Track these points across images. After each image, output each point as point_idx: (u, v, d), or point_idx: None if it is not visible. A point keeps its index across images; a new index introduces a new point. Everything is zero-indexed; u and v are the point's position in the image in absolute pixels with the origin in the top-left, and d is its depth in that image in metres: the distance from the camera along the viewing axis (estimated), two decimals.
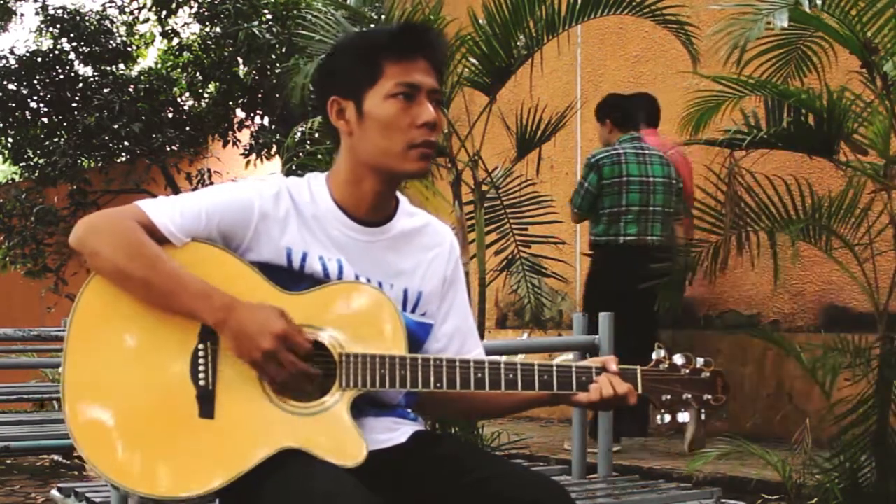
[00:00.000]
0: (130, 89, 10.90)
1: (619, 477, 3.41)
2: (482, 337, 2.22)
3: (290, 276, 1.92)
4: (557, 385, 1.93)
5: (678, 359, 1.99)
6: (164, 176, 11.31)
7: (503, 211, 5.59)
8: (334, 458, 1.80)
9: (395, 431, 1.98)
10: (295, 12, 9.78)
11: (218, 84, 11.07)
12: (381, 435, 1.95)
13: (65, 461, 6.28)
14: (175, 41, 11.35)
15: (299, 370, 1.82)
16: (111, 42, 11.22)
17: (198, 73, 11.08)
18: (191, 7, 10.88)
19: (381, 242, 2.00)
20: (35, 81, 11.02)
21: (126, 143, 10.93)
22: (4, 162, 12.36)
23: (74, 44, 11.08)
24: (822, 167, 4.62)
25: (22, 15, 17.04)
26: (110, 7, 11.43)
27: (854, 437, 3.45)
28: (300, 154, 5.27)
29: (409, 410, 2.06)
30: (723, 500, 3.32)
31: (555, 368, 1.93)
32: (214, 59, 10.79)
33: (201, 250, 1.90)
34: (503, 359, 1.97)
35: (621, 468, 4.48)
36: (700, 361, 2.00)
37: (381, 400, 1.97)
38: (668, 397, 1.98)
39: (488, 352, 2.13)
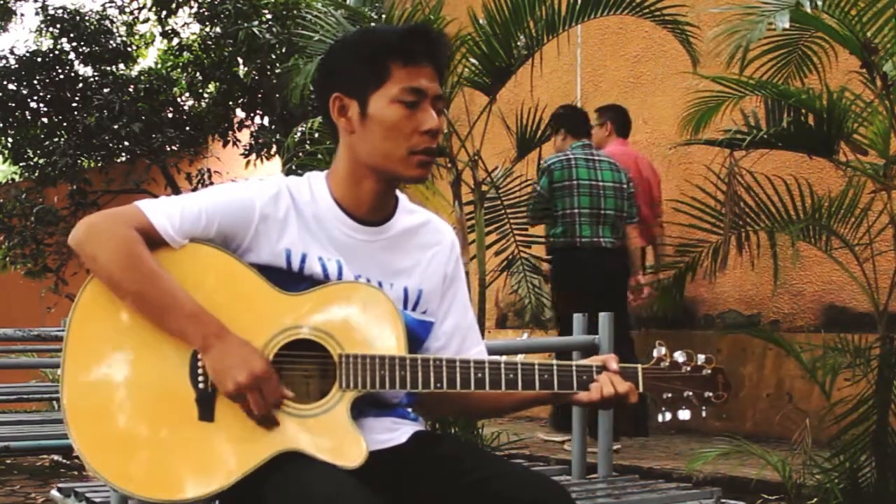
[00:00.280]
0: (130, 89, 10.89)
1: (619, 477, 3.41)
2: (482, 337, 2.22)
3: (289, 278, 1.92)
4: (558, 384, 1.93)
5: (679, 356, 1.99)
6: (164, 176, 11.30)
7: (503, 211, 5.60)
8: (334, 460, 1.80)
9: (396, 432, 1.98)
10: (295, 12, 9.77)
11: (218, 84, 11.06)
12: (382, 435, 1.94)
13: (65, 461, 6.28)
14: (175, 41, 11.34)
15: (262, 416, 1.82)
16: (111, 42, 11.21)
17: (198, 73, 11.07)
18: (191, 7, 10.87)
19: (380, 242, 2.00)
20: (35, 81, 11.01)
21: (126, 143, 10.92)
22: (4, 162, 12.36)
23: (74, 44, 11.07)
24: (822, 167, 4.62)
25: (22, 15, 17.06)
26: (110, 7, 11.42)
27: (854, 437, 3.45)
28: (300, 154, 5.27)
29: (410, 410, 2.05)
30: (723, 500, 3.32)
31: (555, 367, 1.93)
32: (214, 59, 10.78)
33: (200, 252, 1.90)
34: (503, 359, 1.97)
35: (621, 468, 4.48)
36: (701, 358, 2.00)
37: (382, 400, 1.97)
38: (670, 395, 1.97)
39: (489, 352, 2.12)
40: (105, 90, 10.67)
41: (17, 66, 10.96)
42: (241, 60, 10.70)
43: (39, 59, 10.97)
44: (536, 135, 5.28)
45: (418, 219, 2.07)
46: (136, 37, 12.03)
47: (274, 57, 10.17)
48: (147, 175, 11.30)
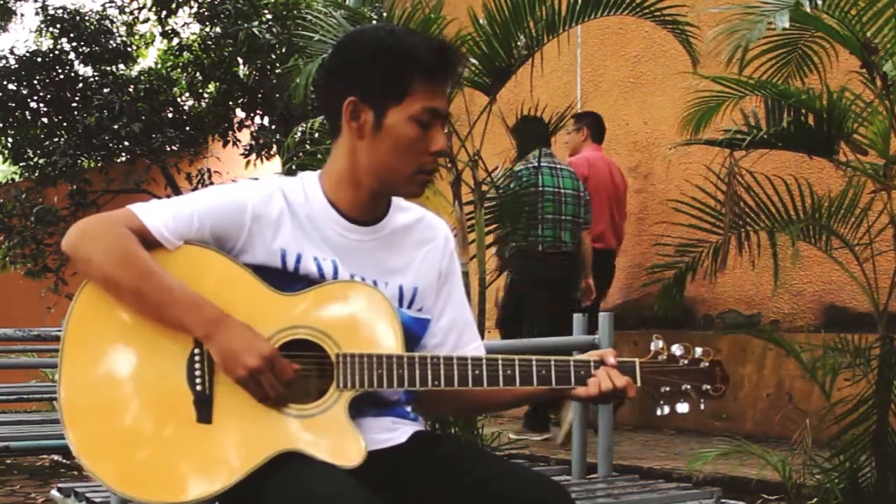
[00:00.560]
0: (130, 89, 10.88)
1: (619, 477, 3.42)
2: (483, 337, 2.21)
3: (284, 278, 1.92)
4: (556, 380, 1.93)
5: (676, 349, 1.99)
6: (164, 176, 11.30)
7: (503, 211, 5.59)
8: (333, 460, 1.80)
9: (395, 431, 1.97)
10: (295, 12, 9.76)
11: (218, 84, 11.05)
12: (381, 435, 1.94)
13: (65, 461, 6.27)
14: (175, 41, 11.34)
15: (279, 394, 1.82)
16: (111, 42, 11.20)
17: (198, 73, 11.06)
18: (191, 7, 10.86)
19: (375, 241, 2.00)
20: (35, 81, 11.00)
21: (126, 143, 10.91)
22: (4, 162, 12.35)
23: (74, 44, 11.06)
24: (822, 167, 4.62)
25: (22, 15, 17.05)
26: (110, 7, 11.41)
27: (854, 437, 3.45)
28: (300, 154, 5.27)
29: (409, 409, 2.05)
30: (723, 500, 3.32)
31: (553, 363, 1.93)
32: (214, 59, 10.77)
33: (194, 253, 1.90)
34: (501, 356, 1.96)
35: (621, 468, 4.48)
36: (698, 351, 2.00)
37: (381, 399, 1.97)
38: (667, 389, 1.97)
39: (488, 352, 2.12)
40: (105, 90, 10.66)
41: (17, 66, 10.95)
42: (241, 60, 10.69)
43: (39, 59, 10.96)
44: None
45: (412, 216, 2.07)
46: (136, 37, 12.02)
47: (274, 57, 10.16)
48: (147, 175, 11.29)
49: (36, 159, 11.36)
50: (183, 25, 11.42)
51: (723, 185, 3.72)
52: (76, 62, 11.22)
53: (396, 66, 1.89)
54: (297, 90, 4.96)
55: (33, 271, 11.24)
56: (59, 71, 11.04)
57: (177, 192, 10.76)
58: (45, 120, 11.32)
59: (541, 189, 5.67)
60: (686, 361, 1.98)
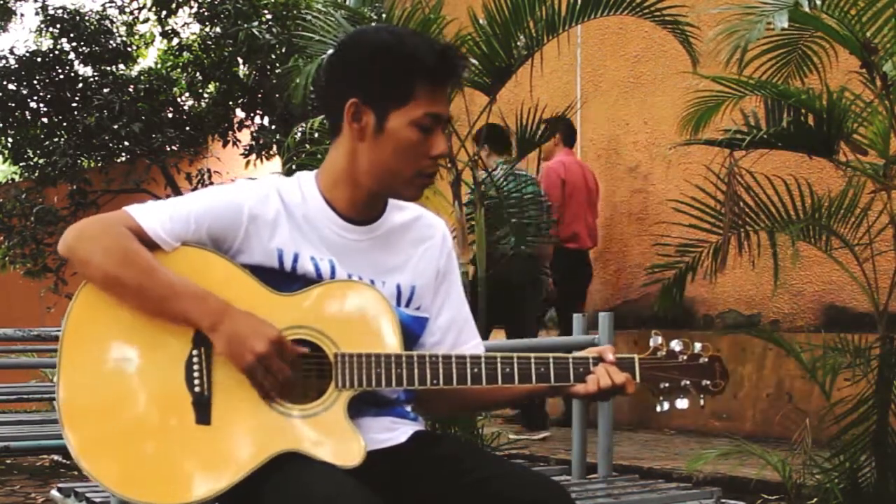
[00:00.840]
0: (130, 89, 10.87)
1: (619, 477, 3.42)
2: (483, 338, 2.21)
3: (282, 278, 1.92)
4: (555, 377, 1.92)
5: (675, 345, 1.99)
6: (164, 176, 11.29)
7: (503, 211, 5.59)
8: (333, 460, 1.80)
9: (395, 431, 1.97)
10: (295, 12, 9.76)
11: (218, 84, 11.04)
12: (381, 435, 1.94)
13: (65, 461, 6.27)
14: (175, 41, 11.33)
15: (287, 378, 1.82)
16: (111, 42, 11.19)
17: (198, 73, 11.05)
18: (191, 7, 10.86)
19: (372, 240, 2.00)
20: (35, 81, 10.99)
21: (126, 143, 10.90)
22: (4, 162, 12.34)
23: (74, 44, 11.06)
24: (822, 167, 4.62)
25: (22, 15, 17.03)
26: (110, 7, 11.40)
27: (854, 437, 3.45)
28: (300, 154, 5.26)
29: (409, 409, 2.05)
30: (723, 500, 3.32)
31: (551, 360, 1.92)
32: (214, 59, 10.77)
33: (191, 254, 1.89)
34: (500, 354, 1.96)
35: (621, 468, 4.48)
36: (697, 347, 1.99)
37: (380, 398, 1.97)
38: (667, 385, 1.97)
39: (486, 351, 2.12)
40: (105, 90, 10.65)
41: (17, 66, 10.94)
42: (241, 60, 10.69)
43: (39, 59, 10.95)
44: (536, 135, 5.28)
45: (409, 214, 2.07)
46: (136, 37, 12.01)
47: (274, 57, 10.15)
48: (147, 175, 11.29)
49: (36, 159, 11.35)
50: (183, 25, 11.42)
51: (723, 185, 3.72)
52: (76, 62, 11.21)
53: (400, 70, 1.89)
54: (296, 90, 4.96)
55: (33, 271, 11.24)
56: (59, 71, 11.04)
57: (177, 192, 10.75)
58: (45, 120, 11.31)
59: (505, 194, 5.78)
60: (685, 357, 1.98)
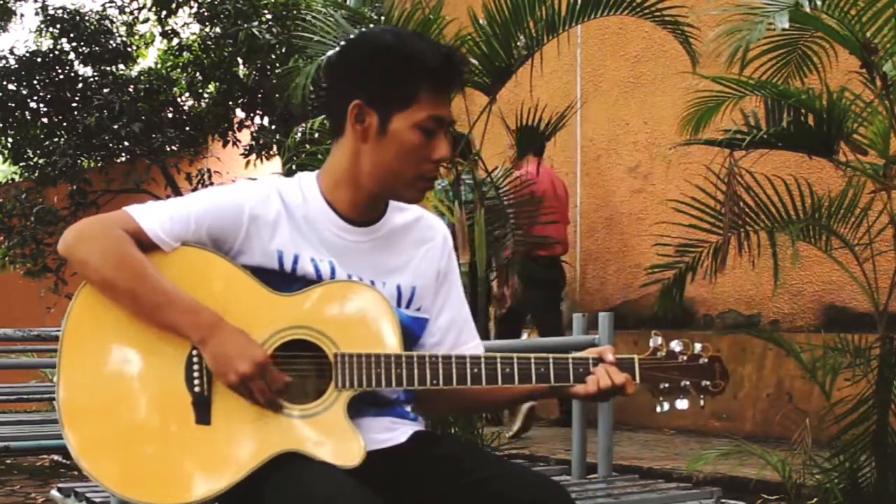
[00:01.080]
0: (130, 89, 10.88)
1: (619, 477, 3.42)
2: (482, 338, 2.21)
3: (282, 279, 1.91)
4: (554, 377, 1.92)
5: (675, 345, 1.99)
6: (164, 176, 11.30)
7: (503, 211, 5.59)
8: (333, 460, 1.80)
9: (395, 431, 1.97)
10: (295, 13, 9.77)
11: (218, 84, 11.05)
12: (381, 435, 1.94)
13: (65, 461, 6.27)
14: (175, 41, 11.34)
15: (269, 401, 1.82)
16: (111, 42, 11.20)
17: (198, 73, 11.06)
18: (191, 7, 10.87)
19: (372, 241, 2.00)
20: (35, 81, 11.00)
21: (126, 143, 10.91)
22: (4, 162, 12.35)
23: (74, 44, 11.07)
24: (822, 167, 4.61)
25: (22, 15, 17.03)
26: (110, 7, 11.41)
27: (854, 437, 3.45)
28: (300, 154, 5.26)
29: (409, 409, 2.05)
30: (723, 500, 3.32)
31: (551, 361, 1.92)
32: (214, 59, 10.77)
33: (191, 255, 1.89)
34: (500, 354, 1.96)
35: (621, 468, 4.48)
36: (697, 347, 1.99)
37: (380, 398, 1.97)
38: (667, 385, 1.96)
39: (488, 352, 2.12)
40: (105, 90, 10.66)
41: (17, 66, 10.95)
42: (241, 60, 10.70)
43: (39, 59, 10.96)
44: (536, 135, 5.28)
45: (410, 216, 2.07)
46: (136, 37, 12.02)
47: (274, 57, 10.16)
48: (147, 175, 11.29)
49: (36, 159, 11.36)
50: (183, 25, 11.43)
51: (723, 185, 3.72)
52: (76, 62, 11.22)
53: (405, 72, 1.89)
54: (296, 90, 4.96)
55: (33, 271, 11.24)
56: (59, 71, 11.05)
57: (177, 192, 10.76)
58: (45, 120, 11.32)
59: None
60: (685, 358, 1.98)
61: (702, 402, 1.98)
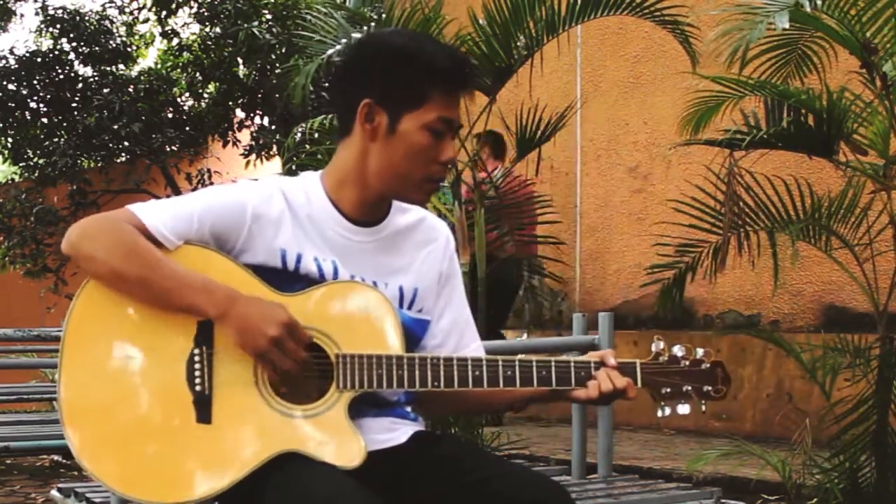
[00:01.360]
0: (130, 89, 10.88)
1: (619, 477, 3.42)
2: (482, 337, 2.21)
3: (285, 278, 1.92)
4: (556, 381, 1.93)
5: (677, 350, 1.99)
6: (164, 176, 11.30)
7: (503, 211, 5.60)
8: (333, 460, 1.80)
9: (395, 432, 1.97)
10: (295, 13, 9.77)
11: (218, 84, 11.05)
12: (381, 435, 1.94)
13: (65, 461, 6.27)
14: (175, 41, 11.34)
15: (302, 359, 1.82)
16: (111, 42, 11.20)
17: (198, 74, 11.06)
18: (191, 7, 10.87)
19: (376, 242, 2.00)
20: (35, 81, 11.00)
21: (126, 143, 10.91)
22: (4, 162, 12.35)
23: (74, 44, 11.06)
24: (821, 167, 4.62)
25: (22, 15, 17.03)
26: (110, 7, 11.41)
27: (854, 437, 3.45)
28: (300, 154, 5.27)
29: (409, 409, 2.05)
30: (723, 500, 3.32)
31: (553, 364, 1.93)
32: (214, 60, 10.77)
33: (194, 253, 1.89)
34: (501, 357, 1.96)
35: (621, 468, 4.48)
36: (699, 352, 1.99)
37: (381, 399, 1.97)
38: (668, 390, 1.96)
39: (488, 352, 2.12)
40: (105, 90, 10.66)
41: (17, 66, 10.95)
42: (241, 61, 10.70)
43: (39, 59, 10.96)
44: (536, 135, 5.28)
45: (412, 217, 2.07)
46: (136, 37, 12.02)
47: (274, 57, 10.16)
48: (147, 175, 11.30)
49: (36, 159, 11.36)
50: (183, 26, 11.43)
51: (722, 185, 3.72)
52: (76, 62, 11.22)
53: (416, 73, 1.89)
54: (296, 90, 4.97)
55: (33, 271, 11.25)
56: (59, 71, 11.05)
57: (177, 192, 10.76)
58: (45, 120, 11.32)
59: None
60: (687, 363, 1.98)
61: (703, 408, 1.98)
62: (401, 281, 2.01)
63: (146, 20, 11.77)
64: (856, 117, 3.52)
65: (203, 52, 10.94)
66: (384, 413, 1.97)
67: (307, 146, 5.39)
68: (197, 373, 1.84)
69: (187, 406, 1.83)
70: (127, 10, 11.53)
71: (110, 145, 11.12)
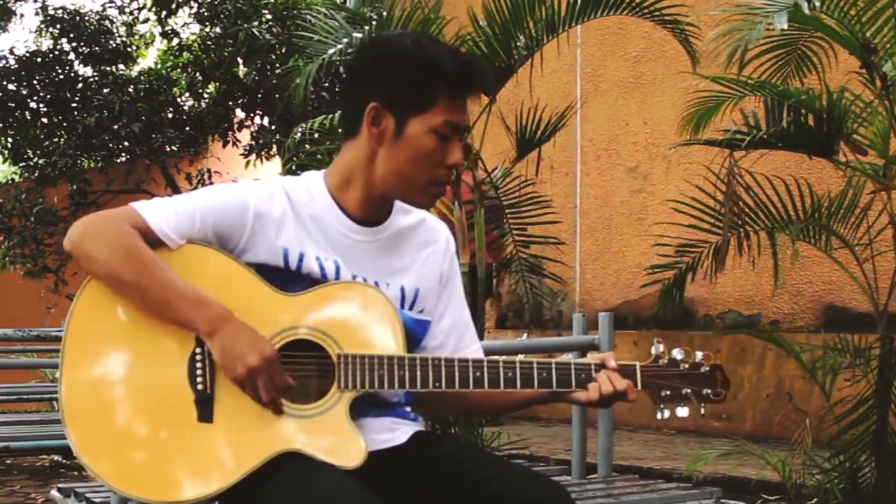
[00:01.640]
0: (130, 89, 10.88)
1: (619, 477, 3.42)
2: (482, 337, 2.22)
3: (287, 277, 1.91)
4: (556, 383, 1.93)
5: (677, 353, 1.99)
6: (164, 176, 11.30)
7: (502, 211, 5.59)
8: (334, 460, 1.80)
9: (395, 432, 1.97)
10: (295, 13, 9.77)
11: (218, 84, 11.06)
12: (381, 435, 1.94)
13: (65, 461, 6.28)
14: (175, 41, 11.34)
15: (271, 400, 1.82)
16: (111, 42, 11.21)
17: (198, 74, 11.07)
18: (191, 7, 10.87)
19: (378, 242, 2.00)
20: (35, 81, 11.01)
21: (126, 143, 10.92)
22: (4, 162, 12.35)
23: (74, 44, 11.07)
24: (821, 167, 4.62)
25: (22, 15, 17.05)
26: (110, 7, 11.41)
27: (854, 437, 3.46)
28: (300, 154, 5.27)
29: (409, 410, 2.05)
30: (722, 500, 3.32)
31: (554, 366, 1.93)
32: (214, 60, 10.78)
33: (196, 252, 1.89)
34: (502, 358, 1.97)
35: (621, 468, 4.49)
36: (699, 356, 2.00)
37: (381, 399, 1.97)
38: (668, 392, 1.97)
39: (487, 352, 2.12)
40: (105, 90, 10.67)
41: (17, 66, 10.96)
42: (241, 61, 10.70)
43: (39, 60, 10.97)
44: (536, 135, 5.28)
45: (414, 218, 2.07)
46: (136, 37, 12.03)
47: (274, 57, 10.17)
48: (147, 175, 11.30)
49: (36, 159, 11.37)
50: (183, 26, 11.44)
51: (722, 185, 3.72)
52: (76, 62, 11.23)
53: (423, 76, 1.89)
54: (296, 90, 4.97)
55: (33, 271, 11.25)
56: (59, 71, 11.05)
57: (177, 192, 10.75)
58: (45, 120, 11.33)
59: None
60: (687, 366, 1.98)
61: (702, 411, 1.99)
62: (402, 281, 2.01)
63: (146, 20, 11.78)
64: (856, 117, 3.52)
65: (203, 52, 10.95)
66: (385, 413, 1.98)
67: (307, 146, 5.39)
68: (198, 372, 1.84)
69: (189, 405, 1.83)
70: (127, 10, 11.54)
71: (110, 145, 11.12)
